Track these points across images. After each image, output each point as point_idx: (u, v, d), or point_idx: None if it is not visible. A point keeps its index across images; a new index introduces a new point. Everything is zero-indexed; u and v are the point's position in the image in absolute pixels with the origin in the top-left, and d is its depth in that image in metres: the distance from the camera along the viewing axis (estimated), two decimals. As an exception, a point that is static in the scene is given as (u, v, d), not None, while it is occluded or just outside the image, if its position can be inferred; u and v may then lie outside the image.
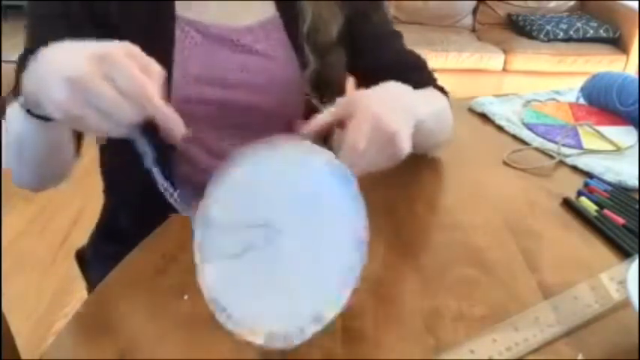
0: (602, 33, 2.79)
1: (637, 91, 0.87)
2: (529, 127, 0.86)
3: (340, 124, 0.54)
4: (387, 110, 0.54)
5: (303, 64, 0.71)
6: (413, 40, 1.07)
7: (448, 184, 0.74)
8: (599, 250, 0.60)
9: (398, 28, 0.81)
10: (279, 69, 0.71)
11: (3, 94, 2.11)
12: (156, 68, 0.48)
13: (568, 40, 2.79)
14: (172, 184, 0.57)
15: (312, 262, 0.47)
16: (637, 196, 0.68)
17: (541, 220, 0.64)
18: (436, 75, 0.78)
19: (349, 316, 0.49)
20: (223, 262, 0.46)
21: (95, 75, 0.43)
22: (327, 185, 0.47)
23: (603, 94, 0.91)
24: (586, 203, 0.66)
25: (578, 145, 0.80)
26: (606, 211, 0.64)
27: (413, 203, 0.66)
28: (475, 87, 2.61)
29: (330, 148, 0.49)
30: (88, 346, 0.47)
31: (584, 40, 2.79)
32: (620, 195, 0.68)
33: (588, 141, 0.82)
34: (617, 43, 2.80)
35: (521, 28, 2.89)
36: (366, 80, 0.59)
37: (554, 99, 0.98)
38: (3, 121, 0.59)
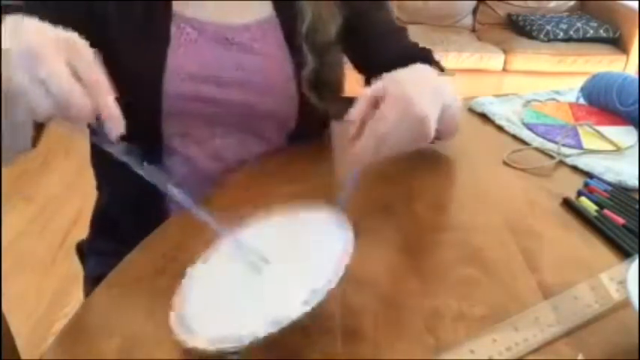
0: (602, 33, 2.79)
1: (637, 91, 0.86)
2: (529, 127, 0.86)
3: (375, 104, 0.56)
4: (418, 94, 0.56)
5: (301, 64, 0.71)
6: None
7: (448, 184, 0.74)
8: (599, 250, 0.60)
9: (398, 27, 0.81)
10: (275, 68, 0.72)
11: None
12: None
13: (568, 40, 2.79)
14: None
15: (282, 277, 0.49)
16: (637, 196, 0.68)
17: (541, 220, 0.64)
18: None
19: (349, 316, 0.49)
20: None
21: (56, 55, 0.44)
22: (325, 233, 0.50)
23: (603, 94, 0.91)
24: (586, 203, 0.66)
25: (578, 145, 0.80)
26: (606, 211, 0.64)
27: (413, 203, 0.66)
28: (475, 87, 2.61)
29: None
30: (88, 346, 0.47)
31: (584, 40, 2.79)
32: (620, 195, 0.68)
33: (588, 141, 0.82)
34: (617, 43, 2.80)
35: (521, 28, 2.89)
36: (374, 77, 0.60)
37: (554, 99, 0.98)
38: None
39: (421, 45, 0.83)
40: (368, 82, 0.79)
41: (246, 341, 0.41)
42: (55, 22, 0.65)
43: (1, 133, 0.54)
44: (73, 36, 0.46)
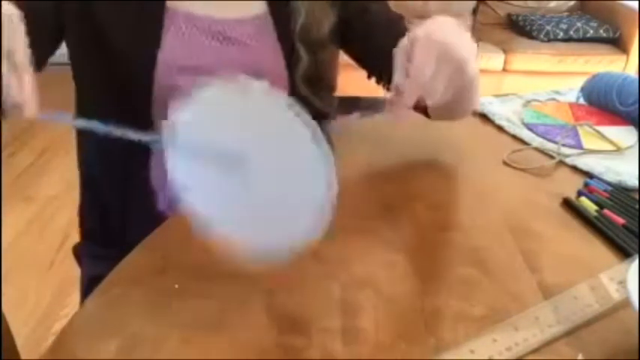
0: (602, 33, 2.78)
1: (637, 91, 0.86)
2: (529, 127, 0.86)
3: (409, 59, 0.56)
4: (453, 39, 0.55)
5: (294, 61, 0.72)
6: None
7: (448, 184, 0.74)
8: (599, 250, 0.60)
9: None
10: (268, 64, 0.72)
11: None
12: None
13: (568, 40, 2.79)
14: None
15: (281, 196, 0.47)
16: (637, 196, 0.68)
17: (541, 220, 0.64)
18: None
19: (349, 316, 0.49)
20: (201, 184, 0.46)
21: None
22: (297, 132, 0.48)
23: (603, 94, 0.91)
24: (586, 203, 0.66)
25: (578, 145, 0.80)
26: (606, 211, 0.64)
27: (413, 203, 0.66)
28: (475, 87, 2.61)
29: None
30: (88, 346, 0.47)
31: (584, 40, 2.79)
32: (620, 195, 0.68)
33: (588, 141, 0.82)
34: (617, 43, 2.80)
35: (521, 28, 2.89)
36: (376, 67, 0.60)
37: (554, 99, 0.98)
38: None
39: None
40: (370, 76, 0.80)
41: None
42: (49, 8, 0.65)
43: None
44: (10, 7, 0.45)
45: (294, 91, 0.72)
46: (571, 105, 0.95)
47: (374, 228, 0.62)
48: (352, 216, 0.64)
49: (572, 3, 3.05)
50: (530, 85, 2.63)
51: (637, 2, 2.61)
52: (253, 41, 0.71)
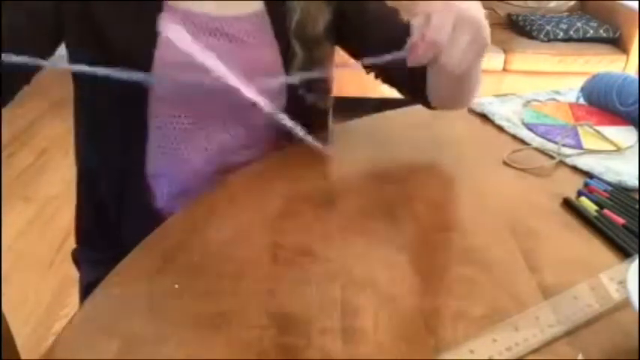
0: (602, 33, 2.78)
1: (637, 91, 0.86)
2: (529, 127, 0.86)
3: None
4: (470, 5, 0.57)
5: (290, 58, 0.72)
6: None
7: (448, 184, 0.74)
8: (599, 250, 0.60)
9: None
10: (264, 61, 0.73)
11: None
12: None
13: (568, 40, 2.79)
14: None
15: None
16: (637, 196, 0.68)
17: (541, 220, 0.64)
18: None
19: (349, 316, 0.49)
20: None
21: None
22: None
23: (603, 95, 0.91)
24: (586, 203, 0.66)
25: (578, 145, 0.80)
26: (606, 211, 0.64)
27: (413, 203, 0.66)
28: (475, 87, 2.61)
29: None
30: (88, 346, 0.47)
31: (584, 40, 2.79)
32: (620, 195, 0.68)
33: (588, 141, 0.82)
34: (617, 43, 2.80)
35: (521, 28, 2.89)
36: (380, 63, 0.61)
37: (554, 99, 0.98)
38: None
39: None
40: (368, 72, 0.80)
41: None
42: (49, 8, 0.66)
43: None
44: None
45: (290, 88, 0.73)
46: (571, 105, 0.95)
47: (374, 228, 0.62)
48: (352, 216, 0.64)
49: (572, 3, 3.05)
50: (530, 85, 2.63)
51: (637, 2, 2.61)
52: (250, 38, 0.72)
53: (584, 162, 0.75)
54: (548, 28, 2.79)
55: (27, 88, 0.67)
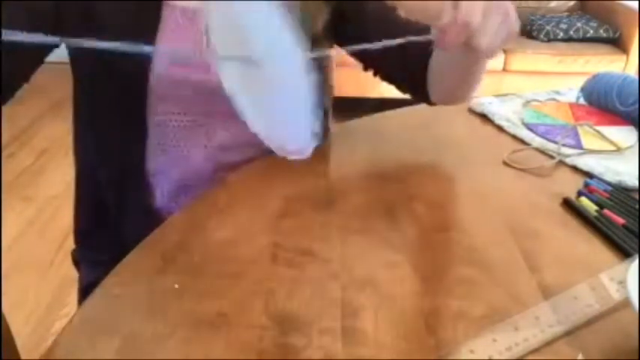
0: (602, 33, 2.79)
1: (637, 91, 0.86)
2: (529, 127, 0.86)
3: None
4: None
5: None
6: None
7: (448, 184, 0.74)
8: (599, 250, 0.60)
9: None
10: None
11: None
12: None
13: (568, 40, 2.79)
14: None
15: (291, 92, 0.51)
16: (637, 196, 0.68)
17: (541, 220, 0.64)
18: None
19: (349, 316, 0.49)
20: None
21: None
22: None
23: (603, 95, 0.91)
24: (586, 203, 0.66)
25: (578, 145, 0.80)
26: (606, 211, 0.64)
27: (412, 203, 0.66)
28: (475, 87, 2.61)
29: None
30: (88, 346, 0.47)
31: (584, 40, 2.79)
32: (620, 195, 0.68)
33: (588, 141, 0.82)
34: (617, 43, 2.80)
35: (521, 28, 2.89)
36: (372, 59, 0.61)
37: (554, 99, 0.98)
38: None
39: None
40: (366, 68, 0.80)
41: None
42: (49, 6, 0.66)
43: None
44: None
45: None
46: (571, 105, 0.95)
47: (374, 228, 0.62)
48: (352, 216, 0.64)
49: (572, 3, 3.05)
50: (530, 85, 2.63)
51: (637, 2, 2.61)
52: None
53: (584, 162, 0.75)
54: (548, 28, 2.79)
55: (26, 86, 0.68)
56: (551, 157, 0.77)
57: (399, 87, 0.81)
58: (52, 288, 1.61)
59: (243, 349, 0.46)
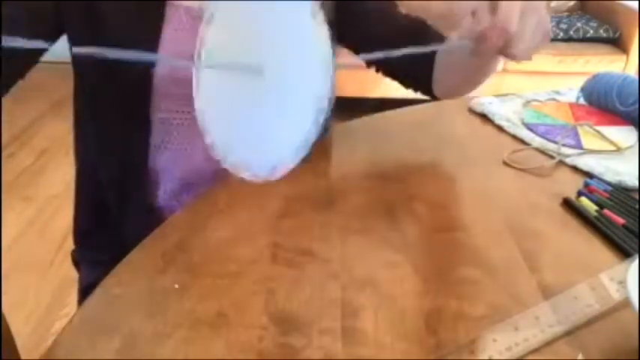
0: (602, 33, 2.79)
1: (637, 91, 0.86)
2: (529, 127, 0.86)
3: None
4: None
5: None
6: (413, 40, 1.06)
7: (448, 184, 0.74)
8: (599, 250, 0.60)
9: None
10: None
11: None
12: None
13: (568, 40, 2.79)
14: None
15: (290, 96, 0.49)
16: (637, 196, 0.68)
17: (541, 220, 0.64)
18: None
19: (349, 316, 0.49)
20: (214, 98, 0.52)
21: None
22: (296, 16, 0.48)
23: (603, 95, 0.91)
24: (586, 203, 0.66)
25: (578, 145, 0.80)
26: (606, 211, 0.64)
27: (412, 203, 0.66)
28: (475, 87, 2.61)
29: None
30: (88, 346, 0.47)
31: (584, 40, 2.79)
32: (620, 195, 0.68)
33: (588, 141, 0.82)
34: (617, 43, 2.80)
35: (521, 28, 2.89)
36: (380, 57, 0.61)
37: (554, 99, 0.98)
38: None
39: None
40: (369, 65, 0.80)
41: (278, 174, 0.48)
42: (48, 6, 0.65)
43: None
44: None
45: None
46: (571, 105, 0.95)
47: (374, 228, 0.62)
48: (352, 216, 0.64)
49: (572, 3, 3.05)
50: (530, 85, 2.63)
51: (637, 2, 2.61)
52: None
53: (584, 162, 0.75)
54: (548, 28, 2.79)
55: (26, 86, 0.68)
56: (551, 157, 0.77)
57: (402, 82, 0.81)
58: (52, 288, 1.61)
59: (243, 349, 0.46)
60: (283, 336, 0.47)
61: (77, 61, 0.74)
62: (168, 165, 0.74)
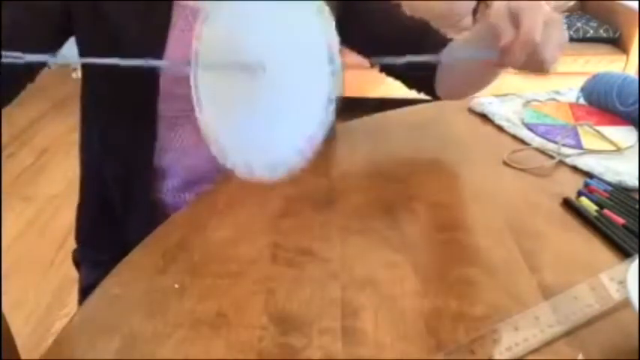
0: (602, 33, 2.79)
1: (637, 91, 0.86)
2: (529, 127, 0.86)
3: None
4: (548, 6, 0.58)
5: None
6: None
7: (448, 184, 0.74)
8: (599, 250, 0.60)
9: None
10: None
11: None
12: None
13: (568, 40, 2.79)
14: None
15: (293, 96, 0.49)
16: (637, 196, 0.68)
17: (541, 220, 0.64)
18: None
19: (349, 316, 0.49)
20: (214, 98, 0.52)
21: None
22: (305, 17, 0.48)
23: (603, 95, 0.91)
24: (586, 203, 0.66)
25: (578, 145, 0.80)
26: (606, 211, 0.64)
27: (413, 203, 0.66)
28: (475, 87, 2.61)
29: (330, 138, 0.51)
30: (88, 346, 0.47)
31: (584, 40, 2.79)
32: (620, 195, 0.68)
33: (588, 141, 0.82)
34: (617, 43, 2.80)
35: (521, 28, 2.89)
36: (377, 54, 0.61)
37: (554, 99, 0.98)
38: None
39: None
40: (372, 65, 0.80)
41: (278, 173, 0.49)
42: (55, 9, 0.66)
43: None
44: None
45: None
46: (571, 105, 0.95)
47: (374, 228, 0.62)
48: (352, 216, 0.64)
49: (572, 3, 3.05)
50: (530, 85, 2.63)
51: (637, 2, 2.61)
52: None
53: (584, 162, 0.75)
54: (548, 28, 2.79)
55: (29, 85, 0.68)
56: (551, 157, 0.77)
57: (406, 82, 0.81)
58: (52, 288, 1.60)
59: (243, 349, 0.46)
60: (283, 336, 0.47)
61: (85, 64, 0.75)
62: (173, 162, 0.74)
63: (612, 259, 0.58)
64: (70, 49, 0.70)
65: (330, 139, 0.80)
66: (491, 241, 0.60)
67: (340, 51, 0.47)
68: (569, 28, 2.79)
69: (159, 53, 0.67)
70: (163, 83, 0.69)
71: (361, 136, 0.83)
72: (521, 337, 0.47)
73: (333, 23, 0.46)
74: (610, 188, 0.69)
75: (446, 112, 0.92)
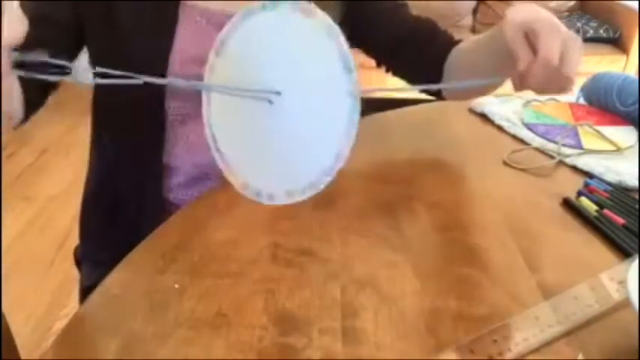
0: (602, 33, 2.79)
1: (637, 91, 0.86)
2: (529, 127, 0.86)
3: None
4: (549, 14, 0.57)
5: None
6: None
7: (448, 184, 0.74)
8: (599, 250, 0.60)
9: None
10: None
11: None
12: None
13: (568, 40, 2.79)
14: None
15: (309, 129, 0.49)
16: (637, 196, 0.68)
17: (541, 220, 0.64)
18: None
19: (349, 316, 0.49)
20: (226, 122, 0.53)
21: None
22: (320, 45, 0.48)
23: (603, 95, 0.91)
24: (586, 203, 0.66)
25: (578, 145, 0.80)
26: (606, 211, 0.64)
27: (413, 203, 0.66)
28: (475, 87, 2.61)
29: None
30: (88, 346, 0.47)
31: (584, 40, 2.78)
32: (620, 195, 0.68)
33: (588, 141, 0.82)
34: (617, 43, 2.80)
35: (521, 28, 2.89)
36: (384, 53, 0.60)
37: (554, 99, 0.98)
38: None
39: None
40: (379, 65, 0.80)
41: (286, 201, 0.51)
42: (68, 17, 0.67)
43: None
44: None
45: None
46: (571, 105, 0.95)
47: (374, 228, 0.62)
48: (352, 216, 0.64)
49: (572, 3, 3.05)
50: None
51: (637, 2, 2.61)
52: None
53: (584, 162, 0.75)
54: (549, 28, 2.79)
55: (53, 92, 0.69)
56: (551, 157, 0.77)
57: (411, 82, 0.81)
58: (52, 288, 1.60)
59: (243, 349, 0.46)
60: (283, 336, 0.47)
61: (96, 62, 0.75)
62: (181, 160, 0.75)
63: (612, 259, 0.58)
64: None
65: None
66: (491, 241, 0.60)
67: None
68: (569, 28, 2.79)
69: (165, 49, 0.68)
70: (170, 85, 0.70)
71: (361, 136, 0.83)
72: (521, 337, 0.47)
73: (346, 42, 0.46)
74: (610, 188, 0.69)
75: (446, 113, 0.92)
